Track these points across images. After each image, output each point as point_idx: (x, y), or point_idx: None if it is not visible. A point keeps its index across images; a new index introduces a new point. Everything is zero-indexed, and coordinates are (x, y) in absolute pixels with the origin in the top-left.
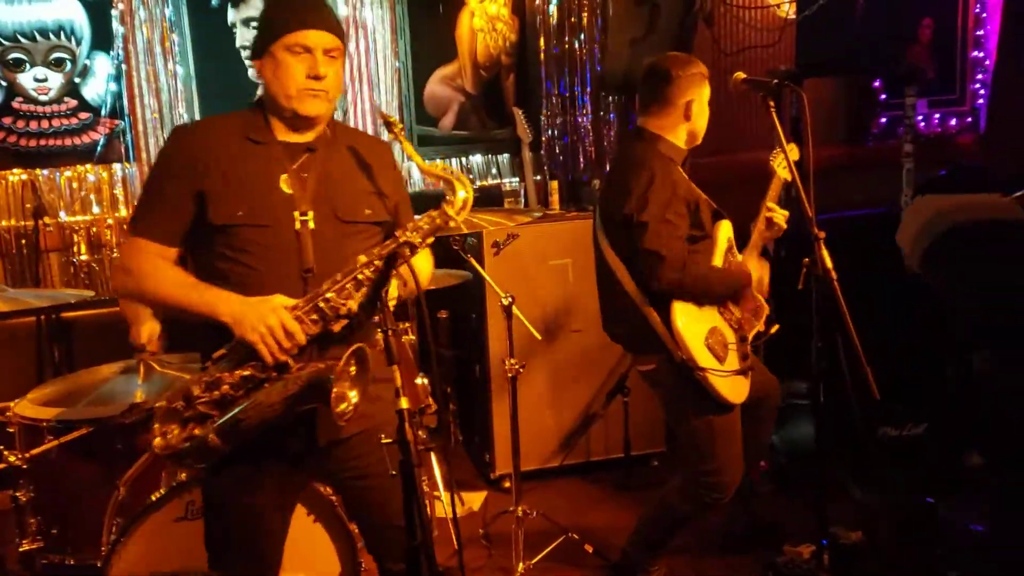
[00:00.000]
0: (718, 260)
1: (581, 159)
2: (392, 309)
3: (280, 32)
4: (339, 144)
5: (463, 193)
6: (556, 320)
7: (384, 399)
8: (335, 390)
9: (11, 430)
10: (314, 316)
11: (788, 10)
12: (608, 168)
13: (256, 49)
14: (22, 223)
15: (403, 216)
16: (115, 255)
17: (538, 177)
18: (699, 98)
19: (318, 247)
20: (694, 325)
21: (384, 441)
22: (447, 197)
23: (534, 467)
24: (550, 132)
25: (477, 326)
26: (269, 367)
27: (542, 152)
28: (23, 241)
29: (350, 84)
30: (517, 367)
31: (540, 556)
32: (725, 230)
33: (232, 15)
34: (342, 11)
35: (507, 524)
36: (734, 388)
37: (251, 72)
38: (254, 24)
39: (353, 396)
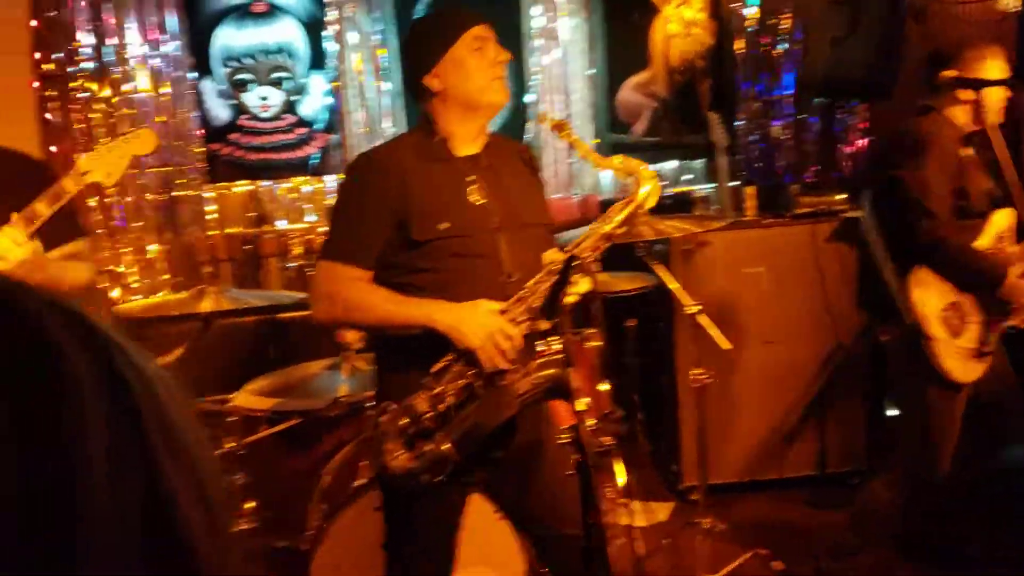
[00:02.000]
0: (984, 242)
1: (780, 164)
2: (571, 308)
3: (458, 33)
4: (499, 151)
5: (648, 186)
6: (748, 330)
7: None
8: (573, 385)
9: (231, 419)
10: (525, 316)
11: (1010, 2)
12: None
13: (427, 63)
14: (246, 230)
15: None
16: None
17: (734, 183)
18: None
19: (512, 252)
20: (932, 294)
21: (561, 440)
22: (632, 187)
23: (723, 480)
24: (747, 137)
25: (665, 334)
26: (487, 374)
27: (738, 157)
28: (246, 246)
29: (542, 94)
30: (704, 378)
31: (725, 571)
32: (1004, 217)
33: None
34: (537, 23)
35: (693, 537)
36: (962, 366)
37: None
38: None
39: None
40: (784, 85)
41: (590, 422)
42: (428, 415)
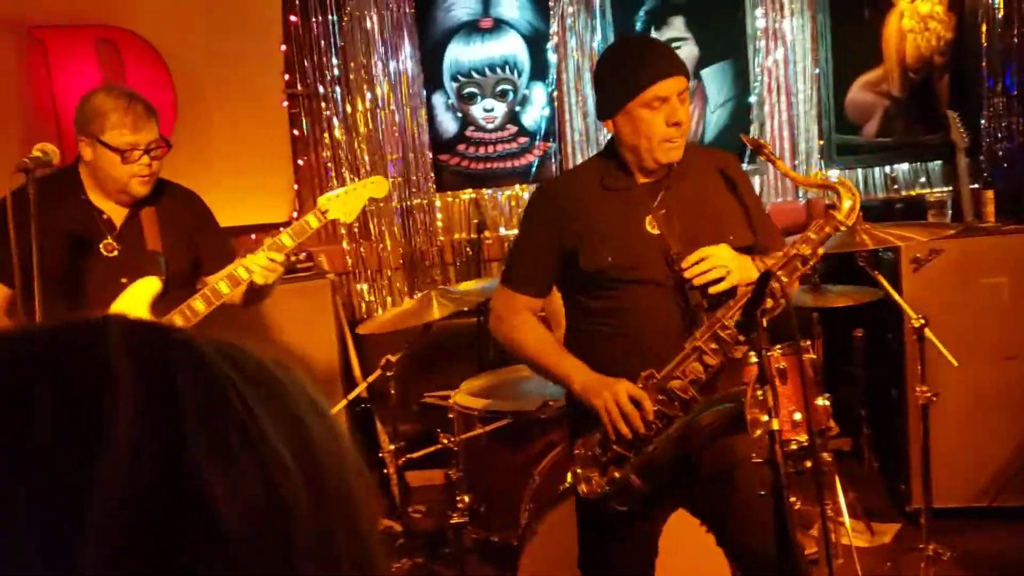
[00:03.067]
0: None
1: None
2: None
3: (636, 91)
4: (691, 172)
5: (849, 200)
6: (987, 345)
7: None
8: (748, 416)
9: (450, 416)
10: (714, 345)
11: None
12: None
13: (605, 111)
14: (469, 236)
15: (763, 227)
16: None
17: (975, 185)
18: None
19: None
20: None
21: (754, 460)
22: (834, 204)
23: (957, 504)
24: (991, 136)
25: (895, 348)
26: (676, 406)
27: (980, 158)
28: (469, 251)
29: (767, 96)
30: (930, 395)
31: None
32: None
33: (655, 37)
34: (760, 23)
35: (916, 563)
36: None
37: None
38: (676, 45)
39: (765, 419)
40: None
41: (802, 437)
42: (616, 442)
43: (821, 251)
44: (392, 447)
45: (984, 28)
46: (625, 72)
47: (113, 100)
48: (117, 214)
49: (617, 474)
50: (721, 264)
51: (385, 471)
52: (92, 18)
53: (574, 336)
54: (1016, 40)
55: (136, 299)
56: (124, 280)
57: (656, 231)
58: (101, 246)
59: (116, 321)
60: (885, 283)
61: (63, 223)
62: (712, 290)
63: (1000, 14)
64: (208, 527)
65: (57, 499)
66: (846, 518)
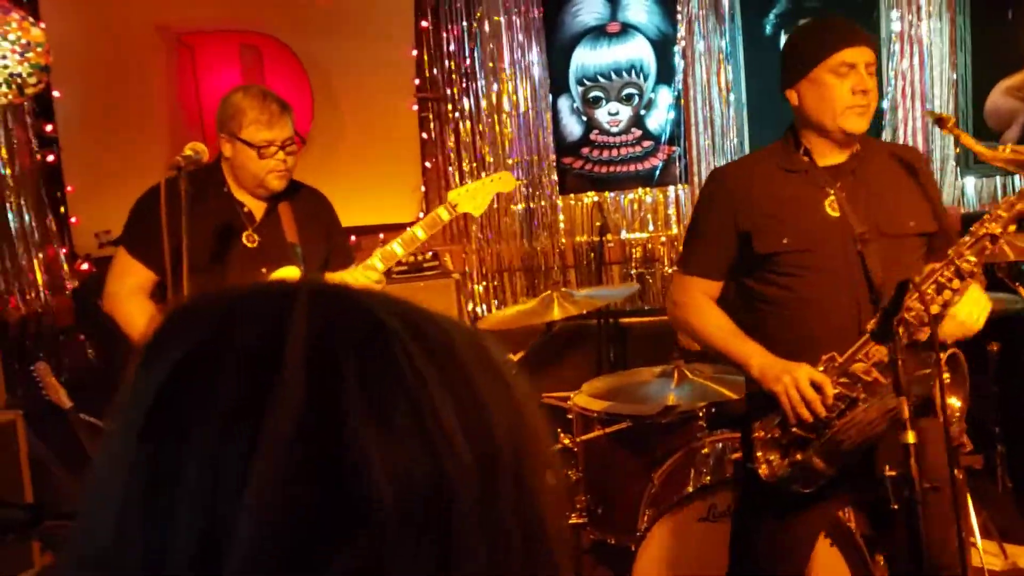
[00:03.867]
0: None
1: None
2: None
3: (824, 54)
4: (874, 158)
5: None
6: None
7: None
8: (937, 400)
9: (569, 416)
10: (900, 328)
11: None
12: None
13: (790, 78)
14: (591, 238)
15: (944, 221)
16: (667, 271)
17: None
18: None
19: (878, 266)
20: None
21: (888, 474)
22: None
23: None
24: None
25: None
26: (859, 388)
27: None
28: (591, 254)
29: (900, 100)
30: None
31: None
32: None
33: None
34: (895, 27)
35: None
36: None
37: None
38: None
39: (955, 403)
40: None
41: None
42: (803, 426)
43: (1012, 228)
44: None
45: None
46: (813, 39)
47: (250, 99)
48: (257, 207)
49: (799, 456)
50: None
51: None
52: (237, 24)
53: (747, 321)
54: None
55: None
56: (264, 270)
57: (837, 213)
58: (243, 237)
59: (305, 288)
60: None
61: (208, 215)
62: (952, 338)
63: None
64: (360, 500)
65: (220, 466)
66: (978, 539)
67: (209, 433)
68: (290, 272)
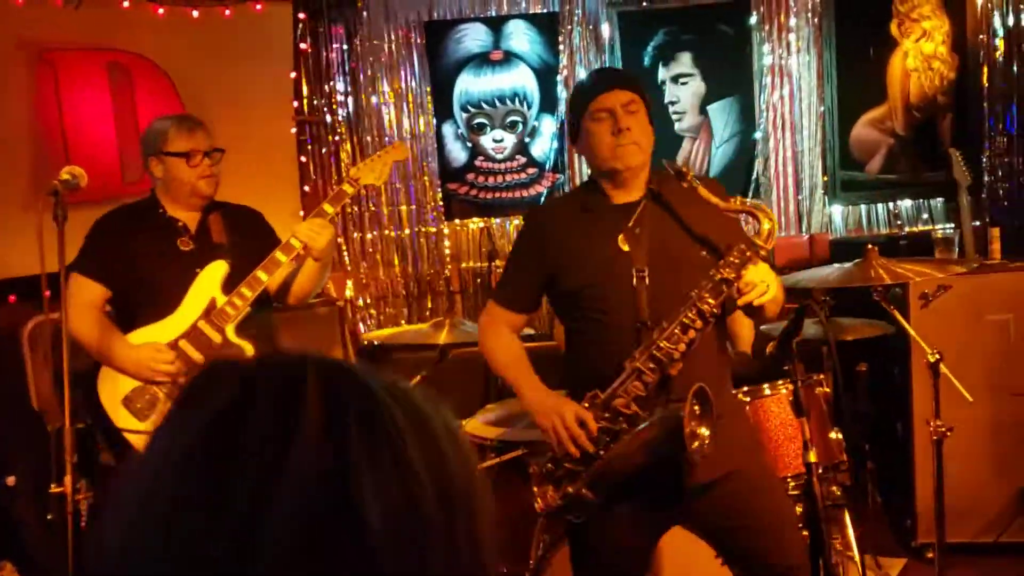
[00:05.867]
0: None
1: None
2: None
3: (583, 106)
4: (671, 192)
5: (767, 224)
6: (993, 381)
7: (744, 442)
8: (686, 429)
9: None
10: (651, 365)
11: None
12: None
13: (572, 135)
14: (478, 264)
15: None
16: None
17: (977, 223)
18: None
19: (653, 299)
20: None
21: (791, 493)
22: (755, 230)
23: (963, 540)
24: (993, 175)
25: (900, 382)
26: (621, 422)
27: (983, 196)
28: (478, 280)
29: (772, 131)
30: (943, 430)
31: None
32: None
33: (662, 73)
34: (767, 60)
35: None
36: None
37: (676, 126)
38: (683, 81)
39: (704, 432)
40: None
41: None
42: (571, 460)
43: (745, 273)
44: None
45: (986, 69)
46: (575, 95)
47: (165, 120)
48: (191, 220)
49: (570, 488)
50: (764, 281)
51: None
52: (103, 42)
53: (567, 358)
54: (1017, 81)
55: (209, 282)
56: (198, 270)
57: (626, 248)
58: (179, 242)
59: (313, 361)
60: (900, 318)
61: (148, 233)
62: (757, 302)
63: (1001, 56)
64: (357, 527)
65: (240, 508)
66: (855, 552)
67: (247, 471)
68: (217, 267)
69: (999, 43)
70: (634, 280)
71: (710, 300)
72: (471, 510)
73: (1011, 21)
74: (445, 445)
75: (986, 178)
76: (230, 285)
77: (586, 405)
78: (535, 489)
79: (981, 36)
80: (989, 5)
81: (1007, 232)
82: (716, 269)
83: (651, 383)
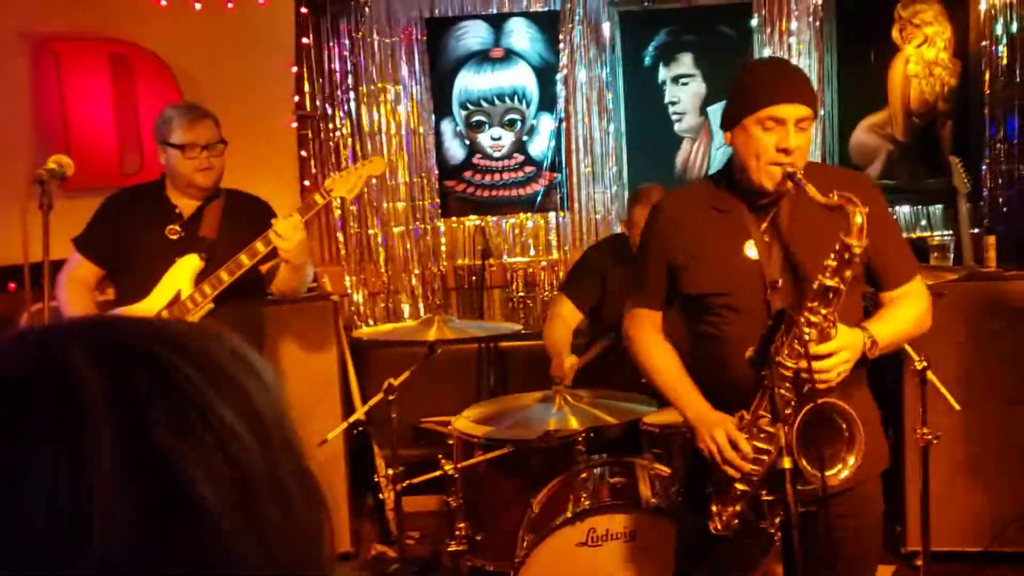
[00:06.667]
0: None
1: None
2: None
3: (754, 107)
4: (808, 199)
5: (859, 218)
6: (987, 389)
7: (872, 457)
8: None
9: (450, 442)
10: (787, 384)
11: None
12: None
13: (728, 119)
14: (473, 262)
15: (884, 255)
16: (546, 295)
17: (975, 230)
18: None
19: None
20: None
21: (765, 498)
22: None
23: (952, 548)
24: (992, 182)
25: (892, 389)
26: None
27: (982, 204)
28: (472, 278)
29: None
30: (930, 437)
31: None
32: None
33: (663, 73)
34: None
35: None
36: None
37: (676, 127)
38: (683, 81)
39: (808, 466)
40: None
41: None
42: (742, 480)
43: (848, 274)
44: (390, 472)
45: (987, 76)
46: (751, 88)
47: (174, 109)
48: (188, 208)
49: (739, 507)
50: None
51: (380, 496)
52: (106, 33)
53: (694, 357)
54: (1019, 88)
55: (180, 274)
56: (176, 259)
57: (755, 256)
58: (167, 230)
59: (76, 335)
60: None
61: (144, 214)
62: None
63: (1003, 63)
64: (189, 503)
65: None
66: None
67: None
68: (190, 260)
69: (1001, 50)
70: (767, 291)
71: (822, 309)
72: (287, 437)
73: (1014, 28)
74: (242, 377)
75: (986, 185)
76: (203, 279)
77: (737, 426)
78: (713, 509)
79: (983, 43)
80: (991, 11)
81: (1006, 240)
82: (822, 274)
83: (791, 399)
